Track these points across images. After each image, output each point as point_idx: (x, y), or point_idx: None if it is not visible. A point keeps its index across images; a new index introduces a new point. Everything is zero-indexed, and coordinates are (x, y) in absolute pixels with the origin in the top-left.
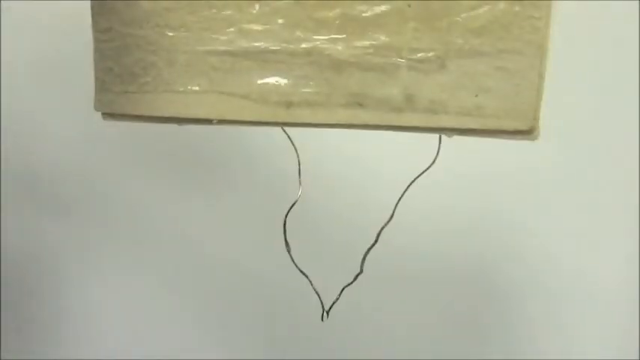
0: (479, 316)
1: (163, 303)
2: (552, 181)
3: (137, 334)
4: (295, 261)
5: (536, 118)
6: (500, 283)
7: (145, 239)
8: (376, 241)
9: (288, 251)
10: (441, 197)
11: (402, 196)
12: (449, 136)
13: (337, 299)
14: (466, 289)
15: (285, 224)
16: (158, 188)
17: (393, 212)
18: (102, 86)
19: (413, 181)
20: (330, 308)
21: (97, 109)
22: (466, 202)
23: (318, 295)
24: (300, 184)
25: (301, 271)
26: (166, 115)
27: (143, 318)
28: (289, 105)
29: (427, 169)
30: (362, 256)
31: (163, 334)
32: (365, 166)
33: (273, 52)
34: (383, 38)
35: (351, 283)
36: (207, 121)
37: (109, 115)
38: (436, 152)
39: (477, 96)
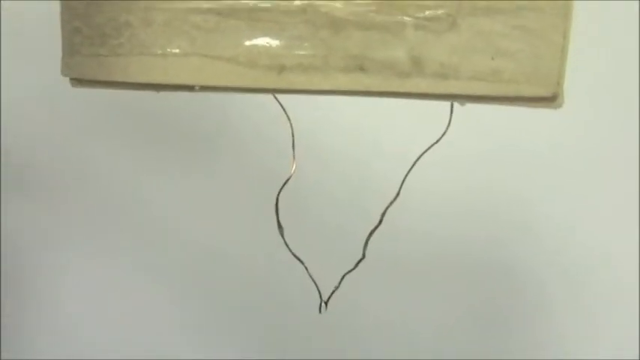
0: (494, 306)
1: (140, 292)
2: (575, 157)
3: (111, 328)
4: (289, 245)
5: (559, 84)
6: (517, 269)
7: (119, 222)
8: (380, 222)
9: (281, 234)
10: (453, 173)
11: (408, 172)
12: (461, 104)
13: (337, 288)
14: (480, 275)
15: (277, 204)
16: (133, 165)
17: (399, 190)
18: (69, 49)
19: (421, 156)
20: (329, 298)
21: (64, 74)
22: (480, 179)
23: (315, 284)
24: (293, 158)
25: (296, 257)
26: (142, 81)
27: (117, 309)
28: (281, 69)
29: (437, 141)
30: (364, 240)
31: (141, 327)
32: (367, 139)
33: (264, 9)
34: None
35: (352, 270)
36: (189, 88)
37: (77, 81)
38: (447, 123)
39: (492, 59)
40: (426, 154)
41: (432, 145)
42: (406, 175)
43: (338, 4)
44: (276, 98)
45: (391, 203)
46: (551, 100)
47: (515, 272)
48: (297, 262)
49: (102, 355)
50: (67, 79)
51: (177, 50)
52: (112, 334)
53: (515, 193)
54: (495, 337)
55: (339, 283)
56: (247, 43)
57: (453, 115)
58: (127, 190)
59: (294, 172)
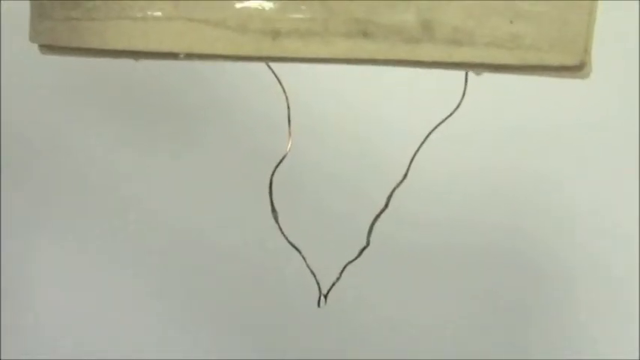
0: (514, 300)
1: (116, 283)
2: (603, 134)
3: (85, 321)
4: (284, 232)
5: (586, 51)
6: (539, 259)
7: (93, 204)
8: (386, 206)
9: (276, 219)
10: (467, 152)
11: (417, 150)
12: (477, 74)
13: (338, 280)
14: (498, 266)
15: (270, 185)
16: (109, 141)
17: (407, 171)
18: (38, 12)
19: (431, 132)
20: (329, 291)
21: (32, 40)
22: (498, 158)
23: (314, 275)
24: (289, 134)
25: (292, 245)
26: (120, 48)
27: (91, 302)
28: (276, 35)
29: (449, 116)
30: (368, 226)
31: (117, 320)
32: (371, 113)
33: None
34: None
35: (355, 259)
36: (172, 56)
37: (47, 48)
38: (461, 95)
39: (512, 22)
40: (437, 131)
41: (444, 120)
42: (415, 154)
43: None
44: (269, 67)
45: (398, 185)
46: (577, 69)
47: (536, 262)
48: (294, 250)
49: (74, 346)
50: (36, 46)
51: (158, 13)
52: (85, 327)
53: (536, 174)
54: (514, 335)
55: (341, 273)
56: (237, 5)
57: (468, 86)
58: (102, 169)
59: (289, 149)
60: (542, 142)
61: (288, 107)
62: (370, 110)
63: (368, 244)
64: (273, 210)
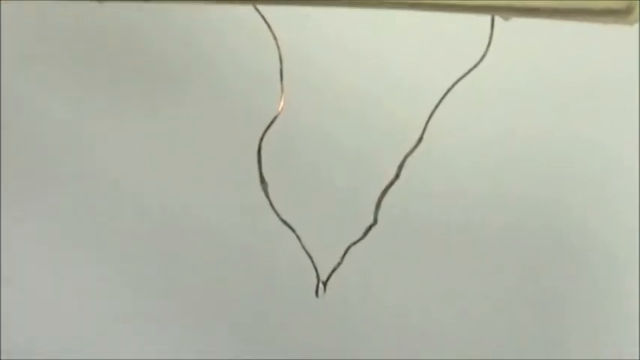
0: (546, 287)
1: (84, 266)
2: None
3: (48, 309)
4: (276, 207)
5: None
6: (576, 239)
7: (59, 175)
8: (397, 176)
9: (265, 192)
10: (492, 113)
11: (434, 110)
12: (505, 19)
13: (339, 264)
14: (527, 248)
15: (259, 151)
16: (77, 102)
17: (422, 134)
18: None
19: (451, 88)
20: (329, 278)
21: None
22: (528, 120)
23: (311, 259)
24: (281, 91)
25: (285, 223)
26: None
27: (56, 287)
28: None
29: (472, 69)
30: (375, 201)
31: (85, 307)
32: (378, 67)
33: None
34: None
35: (360, 240)
36: None
37: None
38: (486, 45)
39: None
40: (456, 87)
41: (465, 75)
42: (431, 115)
43: None
44: (257, 11)
45: (411, 151)
46: (623, 14)
47: (573, 243)
48: (287, 229)
49: (36, 337)
50: None
51: None
52: (49, 315)
53: (572, 139)
54: (545, 330)
55: (342, 257)
56: None
57: (494, 34)
58: (68, 134)
59: (282, 109)
60: (579, 101)
61: (280, 59)
62: (377, 63)
63: (375, 222)
64: (263, 181)
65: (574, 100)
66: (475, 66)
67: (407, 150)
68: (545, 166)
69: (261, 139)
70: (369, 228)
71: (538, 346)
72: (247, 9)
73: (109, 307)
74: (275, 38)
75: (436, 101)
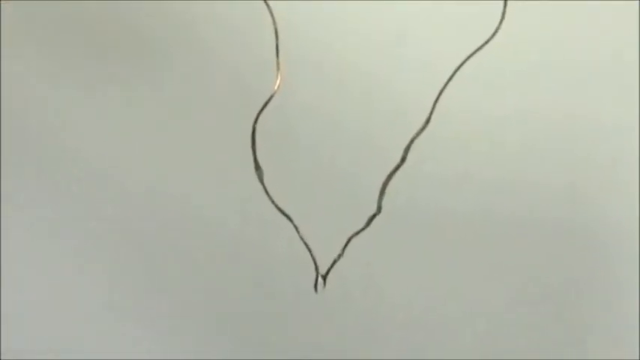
0: (562, 282)
1: (57, 255)
2: None
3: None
4: (271, 195)
5: None
6: (600, 229)
7: (28, 155)
8: (403, 160)
9: (260, 178)
10: (505, 92)
11: (442, 90)
12: None
13: (340, 257)
14: (547, 238)
15: (254, 134)
16: (45, 74)
17: (430, 115)
18: None
19: (459, 67)
20: (329, 272)
21: None
22: (543, 101)
23: (309, 251)
24: (277, 68)
25: (282, 212)
26: None
27: (24, 268)
28: None
29: (483, 45)
30: (379, 187)
31: (73, 303)
32: (384, 42)
33: None
34: None
35: (363, 229)
36: None
37: None
38: (500, 16)
39: None
40: (466, 66)
41: (475, 52)
42: (439, 95)
43: None
44: None
45: (418, 133)
46: None
47: (597, 234)
48: (283, 219)
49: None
50: None
51: None
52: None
53: (594, 120)
54: (566, 329)
55: (344, 249)
56: None
57: (507, 11)
58: (35, 109)
59: (278, 87)
60: (601, 79)
61: (276, 32)
62: (382, 38)
63: (379, 210)
64: (257, 167)
65: (590, 80)
66: (486, 42)
67: (413, 132)
68: (562, 150)
69: (256, 120)
70: (373, 217)
71: (555, 344)
72: None
73: (86, 299)
74: (270, 10)
75: (445, 80)
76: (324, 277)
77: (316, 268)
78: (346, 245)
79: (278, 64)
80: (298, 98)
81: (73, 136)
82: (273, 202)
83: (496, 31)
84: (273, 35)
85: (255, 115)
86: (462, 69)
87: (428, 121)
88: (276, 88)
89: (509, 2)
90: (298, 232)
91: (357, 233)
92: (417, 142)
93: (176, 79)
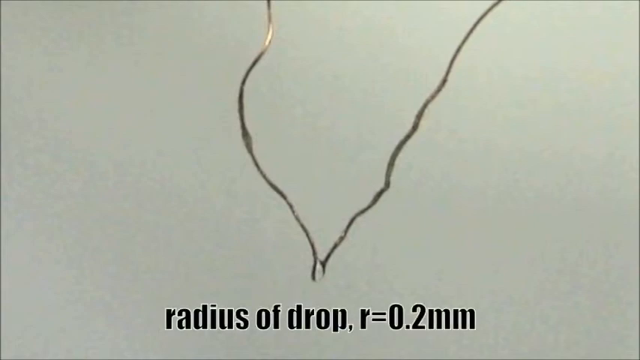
0: (593, 262)
1: (32, 239)
2: None
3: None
4: (262, 168)
5: None
6: (621, 216)
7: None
8: (414, 128)
9: (249, 147)
10: (529, 49)
11: (457, 51)
12: None
13: (342, 240)
14: (571, 216)
15: (241, 96)
16: (9, 36)
17: (446, 76)
18: None
19: (478, 22)
20: (329, 257)
21: None
22: (567, 58)
23: (307, 233)
24: (268, 21)
25: (274, 187)
26: None
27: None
28: None
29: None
30: (387, 159)
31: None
32: None
33: None
34: None
35: (368, 208)
36: None
37: None
38: None
39: None
40: (485, 23)
41: (492, 8)
42: (453, 59)
43: None
44: None
45: (432, 97)
46: None
47: (633, 219)
48: (276, 195)
49: None
50: None
51: None
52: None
53: (621, 81)
54: (591, 324)
55: (346, 231)
56: None
57: None
58: (9, 84)
59: (269, 43)
60: (621, 35)
61: None
62: None
63: (387, 185)
64: (245, 134)
65: (615, 34)
66: (497, 3)
67: (427, 95)
68: (601, 112)
69: (244, 80)
70: (380, 193)
71: (586, 334)
72: None
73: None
74: None
75: (463, 35)
76: (324, 264)
77: (314, 254)
78: (349, 226)
79: (269, 16)
80: (292, 55)
81: (39, 102)
82: (264, 175)
83: None
84: None
85: (242, 75)
86: (482, 22)
87: (444, 81)
88: (266, 43)
89: None
90: (293, 211)
91: (362, 212)
92: (431, 106)
93: (154, 35)
